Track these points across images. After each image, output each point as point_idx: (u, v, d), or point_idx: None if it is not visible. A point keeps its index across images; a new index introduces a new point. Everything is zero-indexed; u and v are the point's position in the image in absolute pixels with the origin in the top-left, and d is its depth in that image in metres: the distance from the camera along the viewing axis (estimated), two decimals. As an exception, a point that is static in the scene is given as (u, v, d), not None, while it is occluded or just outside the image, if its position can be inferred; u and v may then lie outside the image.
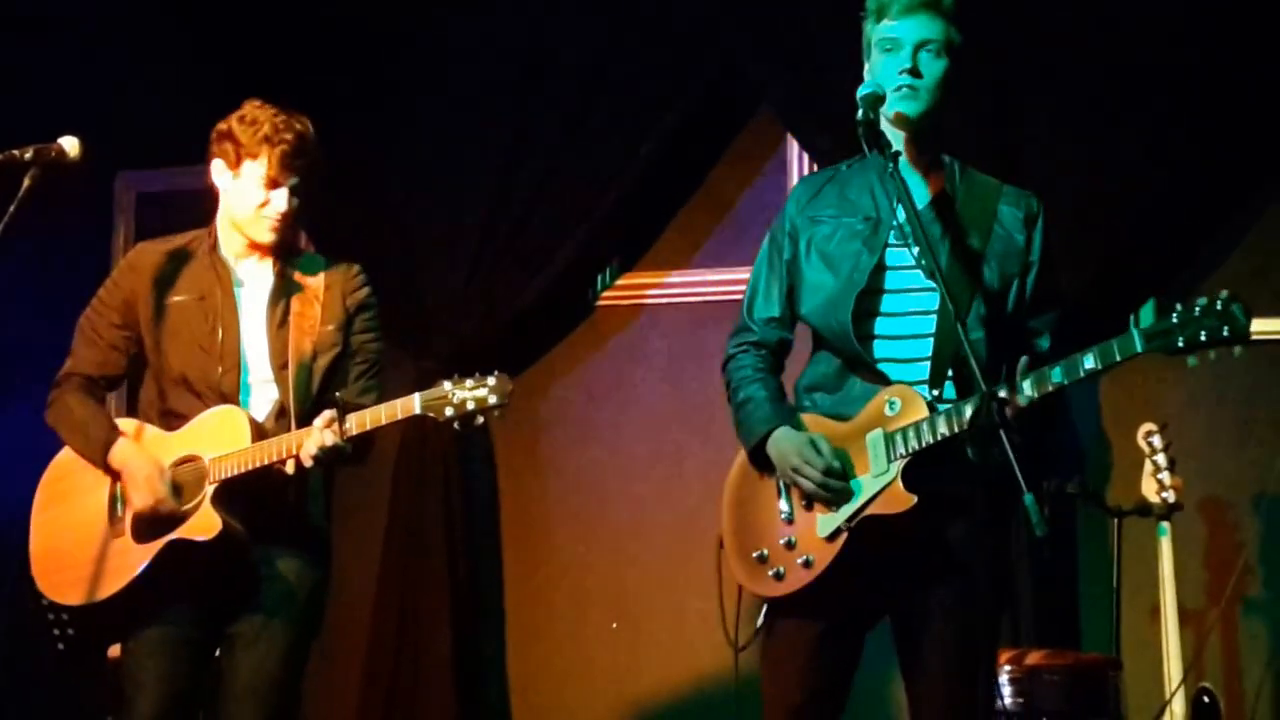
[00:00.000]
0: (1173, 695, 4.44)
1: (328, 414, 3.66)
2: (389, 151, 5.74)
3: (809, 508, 3.43)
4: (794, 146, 5.49)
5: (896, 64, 3.43)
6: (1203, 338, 3.07)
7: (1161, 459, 4.56)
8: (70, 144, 3.74)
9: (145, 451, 3.83)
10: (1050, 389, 3.19)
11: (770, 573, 3.46)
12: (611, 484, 5.62)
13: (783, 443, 3.45)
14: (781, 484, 3.47)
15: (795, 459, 3.41)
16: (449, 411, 3.63)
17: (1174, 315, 3.10)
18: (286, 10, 5.80)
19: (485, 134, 5.62)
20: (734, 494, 3.61)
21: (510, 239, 5.55)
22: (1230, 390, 4.99)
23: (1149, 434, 4.59)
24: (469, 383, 3.64)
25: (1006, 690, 4.39)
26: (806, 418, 3.50)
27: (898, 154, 3.39)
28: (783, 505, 3.47)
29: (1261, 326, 4.78)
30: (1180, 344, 3.09)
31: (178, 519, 3.76)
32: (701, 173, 5.63)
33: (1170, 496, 4.53)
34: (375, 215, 5.72)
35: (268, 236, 3.89)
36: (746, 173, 5.60)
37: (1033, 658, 4.47)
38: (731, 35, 5.41)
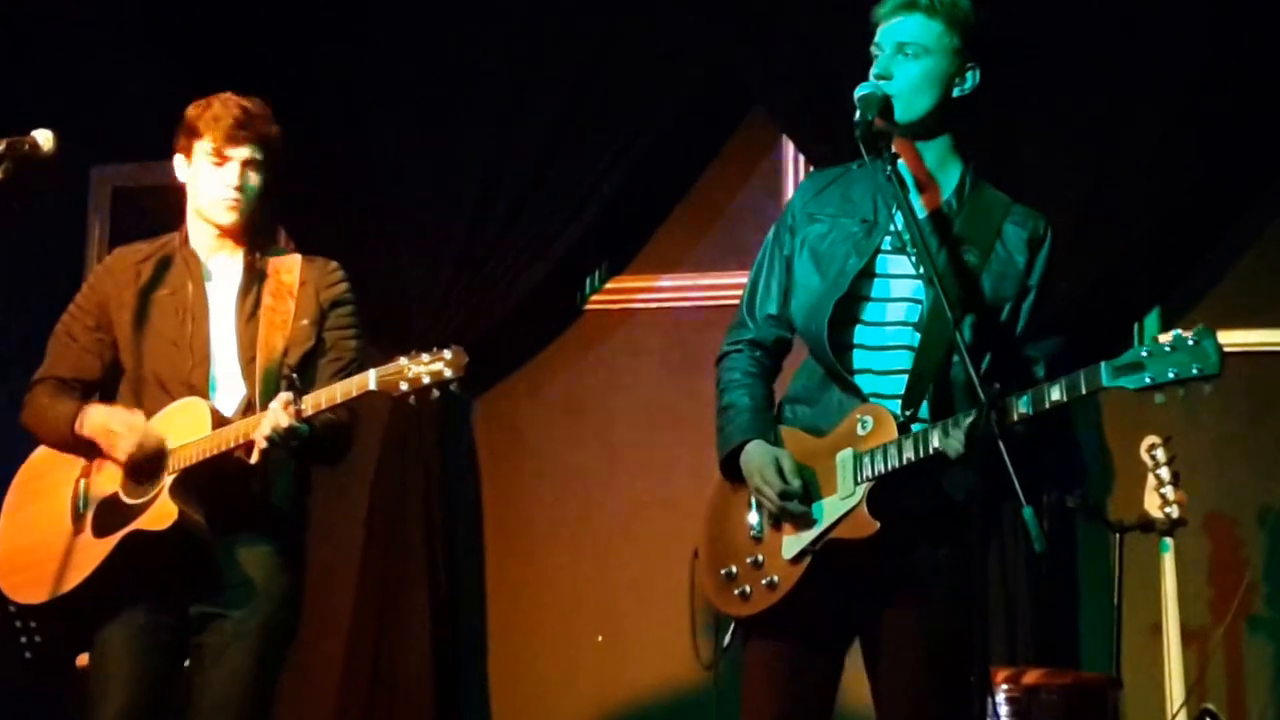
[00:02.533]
0: (1175, 716, 4.44)
1: (284, 395, 3.63)
2: (374, 154, 5.72)
3: (777, 526, 3.40)
4: (789, 149, 5.49)
5: (875, 69, 3.40)
6: (1171, 375, 2.99)
7: (1165, 473, 4.55)
8: (44, 137, 3.71)
9: (110, 411, 3.83)
10: (1015, 419, 3.13)
11: (736, 591, 3.43)
12: (598, 489, 5.61)
13: (752, 458, 3.42)
14: (753, 499, 3.44)
15: (757, 478, 3.39)
16: (404, 386, 3.57)
17: (1144, 349, 3.03)
18: (268, 5, 5.76)
19: (473, 135, 5.60)
20: (712, 505, 3.58)
21: (497, 241, 5.53)
22: (1235, 402, 4.97)
23: (1152, 447, 4.58)
24: (425, 357, 3.57)
25: (1004, 710, 4.35)
26: (785, 431, 3.46)
27: (896, 156, 3.33)
28: (753, 521, 3.44)
29: (1265, 338, 4.90)
30: (1147, 381, 3.01)
31: (140, 509, 3.73)
32: (693, 175, 5.63)
33: (1174, 512, 4.52)
34: (361, 218, 5.70)
35: (227, 217, 3.87)
36: (739, 175, 5.60)
37: (1031, 676, 4.43)
38: (726, 36, 5.38)
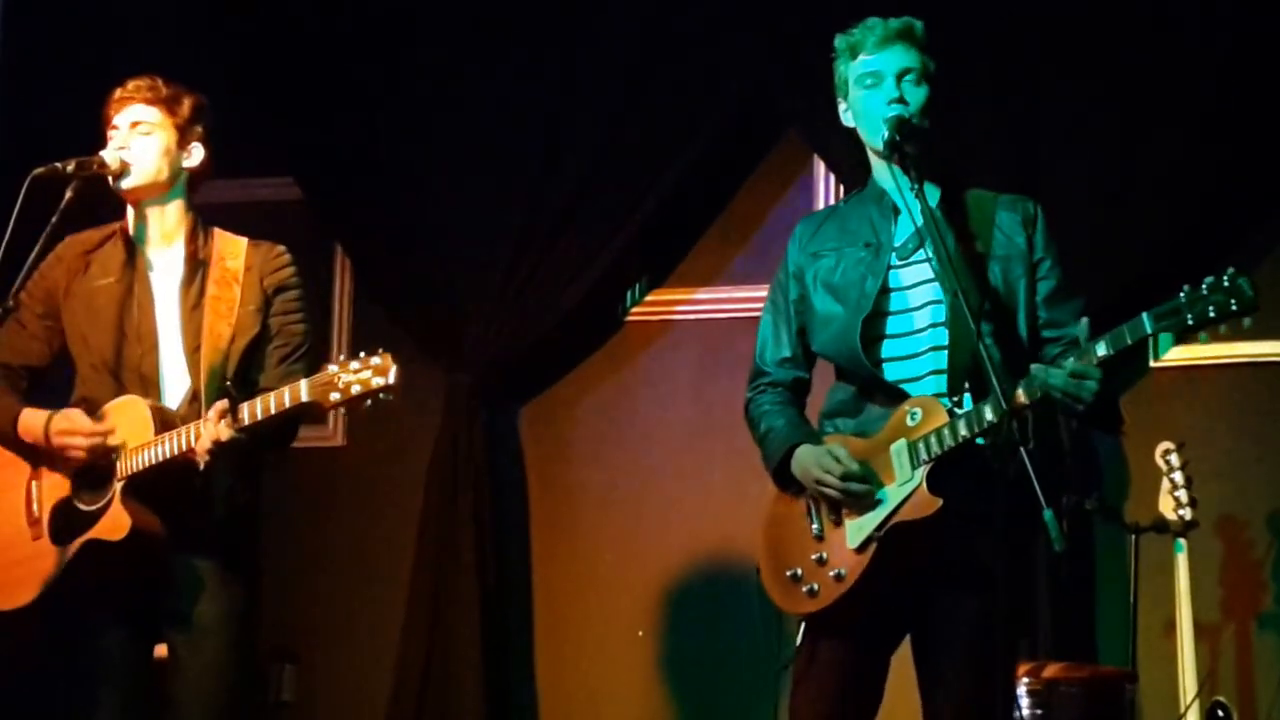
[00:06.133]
0: (1187, 709, 4.49)
1: (219, 406, 3.57)
2: (424, 172, 5.79)
3: (838, 523, 3.46)
4: (820, 168, 5.53)
5: (883, 95, 3.50)
6: (1211, 314, 3.07)
7: (1178, 477, 4.61)
8: (112, 157, 3.78)
9: (56, 413, 3.74)
10: (1085, 361, 3.20)
11: (804, 590, 3.49)
12: (639, 496, 5.62)
13: (804, 458, 3.50)
14: (810, 503, 3.52)
15: (815, 470, 3.45)
16: (334, 396, 3.49)
17: (1181, 295, 3.11)
18: (322, 20, 5.86)
19: (518, 153, 5.67)
20: (767, 519, 3.65)
21: (542, 255, 5.60)
22: (1246, 409, 5.02)
23: (1166, 452, 4.65)
24: (354, 365, 3.49)
25: (1025, 702, 4.42)
26: (831, 439, 3.53)
27: (921, 177, 3.45)
28: (813, 524, 3.51)
29: (1275, 349, 4.85)
30: (1190, 322, 3.09)
31: (96, 516, 3.68)
32: (730, 191, 5.65)
33: (1187, 514, 4.58)
34: (413, 236, 5.77)
35: (122, 181, 3.81)
36: (774, 192, 5.63)
37: (1051, 670, 4.50)
38: (760, 60, 5.46)
